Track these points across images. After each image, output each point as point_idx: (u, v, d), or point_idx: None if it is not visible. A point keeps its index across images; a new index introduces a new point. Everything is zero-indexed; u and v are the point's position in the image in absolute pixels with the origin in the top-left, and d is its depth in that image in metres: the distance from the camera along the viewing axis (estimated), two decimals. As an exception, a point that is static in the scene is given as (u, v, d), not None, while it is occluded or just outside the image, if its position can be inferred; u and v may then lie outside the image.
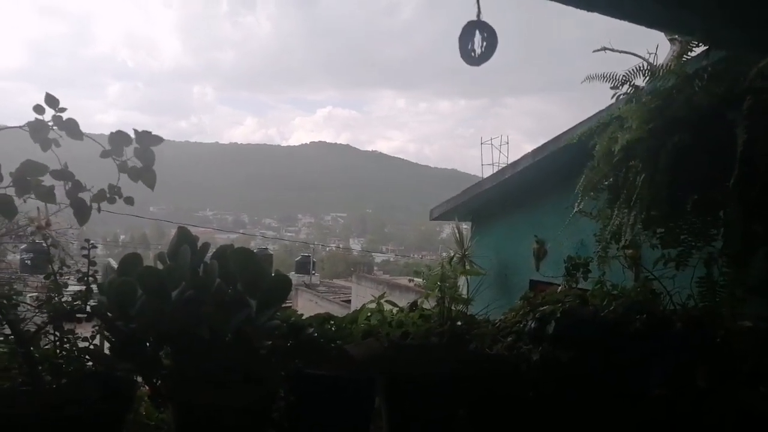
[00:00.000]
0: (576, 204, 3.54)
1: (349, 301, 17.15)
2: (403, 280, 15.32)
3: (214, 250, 2.45)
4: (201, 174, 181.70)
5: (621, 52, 3.97)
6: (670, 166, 2.95)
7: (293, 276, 29.27)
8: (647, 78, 3.56)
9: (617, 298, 3.59)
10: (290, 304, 21.85)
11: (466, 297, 2.71)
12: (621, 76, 3.56)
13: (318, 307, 19.70)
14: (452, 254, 6.48)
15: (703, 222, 3.15)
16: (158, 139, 2.13)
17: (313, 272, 31.20)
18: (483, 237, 6.79)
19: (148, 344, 2.05)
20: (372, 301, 2.70)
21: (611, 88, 3.59)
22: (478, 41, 2.52)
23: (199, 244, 2.39)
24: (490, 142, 8.67)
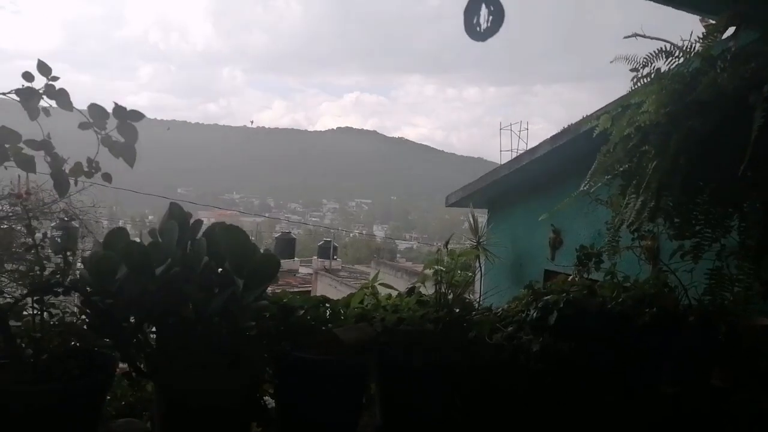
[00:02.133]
0: (583, 185, 3.41)
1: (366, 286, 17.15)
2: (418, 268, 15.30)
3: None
4: (229, 157, 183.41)
5: (654, 38, 3.79)
6: (685, 152, 2.81)
7: (316, 260, 29.36)
8: (670, 60, 3.40)
9: (628, 290, 3.47)
10: (308, 288, 21.93)
11: (465, 282, 2.61)
12: (642, 59, 3.40)
13: (337, 291, 19.74)
14: (467, 242, 6.37)
15: (721, 213, 2.99)
16: (139, 115, 2.08)
17: (335, 257, 31.27)
18: (499, 225, 6.66)
19: (129, 322, 2.01)
20: (367, 284, 2.62)
21: (631, 70, 3.43)
22: (484, 15, 2.40)
23: (209, 224, 2.35)
24: (510, 128, 8.47)
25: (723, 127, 2.67)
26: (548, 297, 2.77)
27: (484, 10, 2.39)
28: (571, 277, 4.42)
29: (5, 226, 11.26)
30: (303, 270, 28.39)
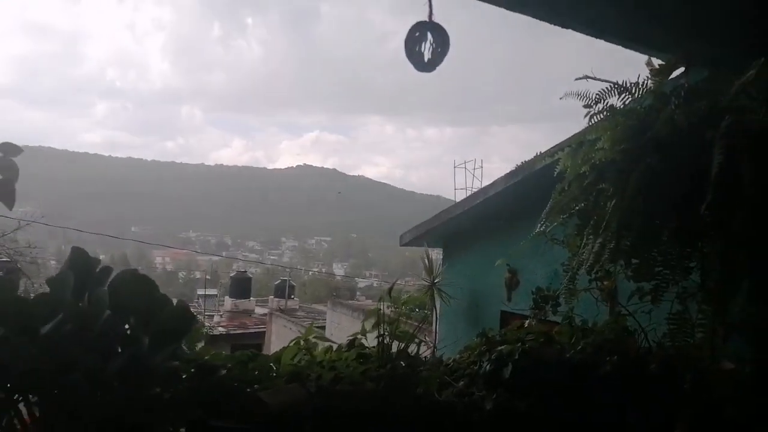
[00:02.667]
0: (539, 226, 3.25)
1: (324, 327, 16.66)
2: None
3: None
4: (186, 195, 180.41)
5: (605, 81, 3.73)
6: (643, 190, 2.67)
7: (272, 300, 28.58)
8: (623, 96, 3.31)
9: (587, 335, 3.28)
10: (264, 329, 21.21)
11: (410, 333, 2.36)
12: (595, 95, 3.30)
13: (291, 332, 19.14)
14: (422, 283, 6.14)
15: (679, 253, 2.86)
16: (18, 150, 1.79)
17: (293, 296, 30.54)
18: (455, 264, 6.47)
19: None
20: (299, 338, 2.34)
21: (584, 106, 3.32)
22: (428, 44, 2.23)
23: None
24: (464, 166, 8.41)
25: (681, 165, 2.55)
26: (502, 347, 2.54)
27: (429, 39, 2.22)
28: (527, 322, 4.23)
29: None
30: (259, 310, 27.62)
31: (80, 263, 2.01)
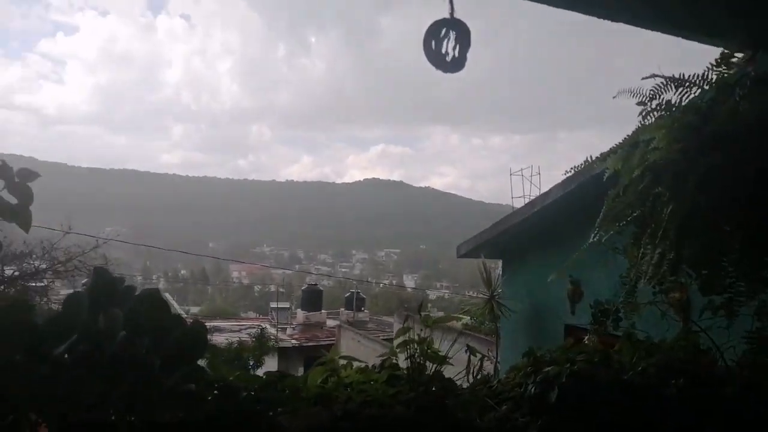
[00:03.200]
0: (593, 236, 3.01)
1: (391, 340, 16.53)
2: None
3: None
4: (259, 211, 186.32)
5: (670, 78, 3.44)
6: (704, 192, 2.39)
7: (343, 313, 28.75)
8: (681, 91, 3.02)
9: (652, 353, 2.98)
10: (333, 342, 21.34)
11: (441, 354, 2.19)
12: (649, 91, 3.03)
13: (361, 345, 19.14)
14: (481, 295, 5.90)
15: (753, 262, 2.54)
16: (33, 175, 1.78)
17: (363, 309, 30.60)
18: (514, 276, 6.19)
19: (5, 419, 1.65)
20: (327, 359, 2.22)
21: (638, 104, 3.05)
22: (451, 43, 2.08)
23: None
24: (521, 173, 8.08)
25: (746, 162, 2.26)
26: (549, 369, 2.32)
27: (451, 37, 2.06)
28: (587, 338, 3.93)
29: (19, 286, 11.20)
30: (330, 322, 27.84)
31: (102, 282, 1.99)
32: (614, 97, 3.17)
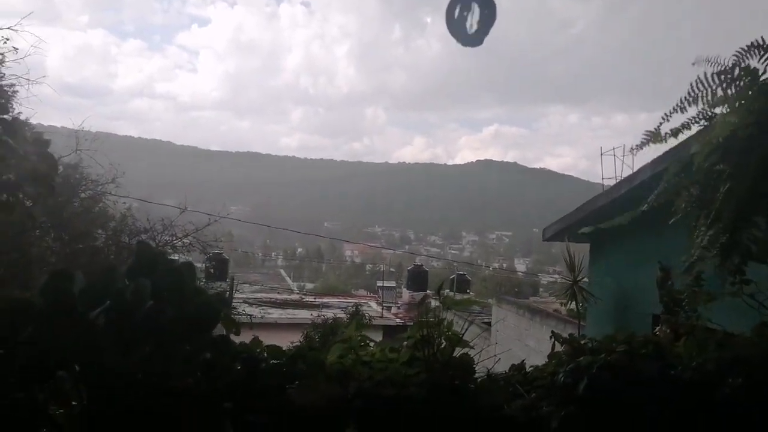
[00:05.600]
0: (644, 205, 2.76)
1: (489, 323, 16.33)
2: (552, 305, 14.11)
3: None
4: (372, 192, 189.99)
5: (755, 44, 3.08)
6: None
7: (449, 294, 28.84)
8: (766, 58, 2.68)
9: (723, 347, 2.71)
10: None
11: (459, 336, 2.14)
12: (731, 59, 2.71)
13: (457, 327, 19.05)
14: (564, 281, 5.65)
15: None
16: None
17: (468, 291, 30.43)
18: (601, 261, 5.85)
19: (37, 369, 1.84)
20: (345, 338, 2.24)
21: (717, 74, 2.75)
22: (474, 15, 1.99)
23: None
24: (613, 152, 7.51)
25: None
26: (582, 358, 2.18)
27: (475, 9, 1.97)
28: (658, 329, 3.66)
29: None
30: (436, 303, 28.00)
31: (144, 256, 2.16)
32: (693, 64, 2.87)
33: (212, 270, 20.71)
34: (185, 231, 12.09)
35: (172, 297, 1.95)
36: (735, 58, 2.71)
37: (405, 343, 2.23)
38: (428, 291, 29.30)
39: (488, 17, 1.94)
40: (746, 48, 2.64)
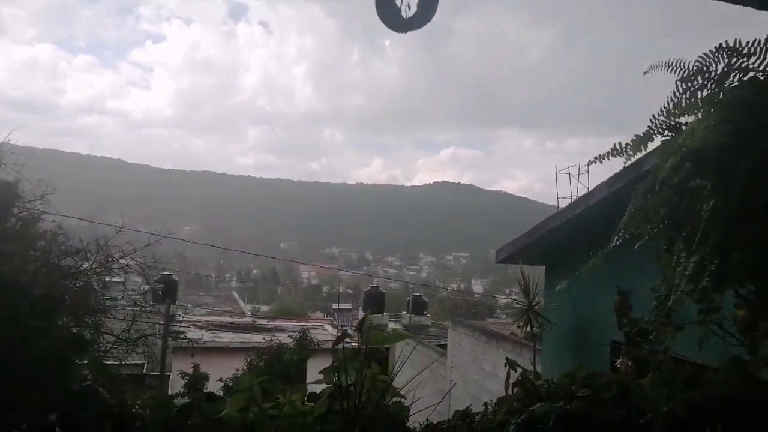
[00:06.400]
0: (614, 239, 2.47)
1: (445, 346, 15.99)
2: (509, 328, 13.86)
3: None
4: (329, 213, 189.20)
5: (722, 47, 2.84)
6: (759, 184, 1.83)
7: (405, 316, 28.35)
8: (736, 61, 2.42)
9: (692, 386, 2.40)
10: (388, 347, 21.00)
11: (388, 381, 1.74)
12: (693, 64, 2.45)
13: (415, 351, 18.66)
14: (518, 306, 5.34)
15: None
16: None
17: (425, 313, 30.10)
18: (557, 284, 5.58)
19: None
20: (245, 386, 1.82)
21: (680, 81, 2.48)
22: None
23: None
24: (567, 171, 7.36)
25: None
26: (537, 406, 1.82)
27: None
28: (618, 362, 3.35)
29: (82, 282, 11.50)
30: (393, 325, 27.58)
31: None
32: (645, 73, 2.61)
33: (159, 292, 19.79)
34: (123, 251, 11.35)
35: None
36: (698, 63, 2.45)
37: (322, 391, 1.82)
38: (384, 313, 28.87)
39: (428, 7, 1.60)
40: (712, 52, 2.38)
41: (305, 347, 10.11)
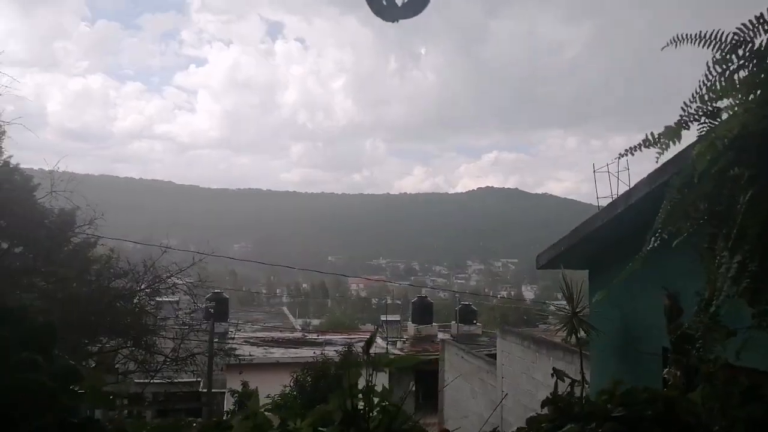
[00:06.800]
0: (652, 241, 2.26)
1: (495, 356, 15.61)
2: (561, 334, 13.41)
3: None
4: (374, 224, 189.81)
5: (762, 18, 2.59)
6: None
7: (454, 326, 27.98)
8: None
9: (749, 398, 2.16)
10: (437, 356, 20.69)
11: (397, 406, 1.60)
12: (731, 37, 2.22)
13: (464, 361, 18.33)
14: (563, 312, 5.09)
15: None
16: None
17: (475, 322, 29.64)
18: (602, 289, 5.29)
19: None
20: (249, 414, 1.70)
21: (716, 63, 2.25)
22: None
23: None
24: (606, 169, 6.99)
25: None
26: (566, 429, 1.65)
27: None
28: (666, 371, 3.10)
29: (135, 303, 11.81)
30: (442, 335, 27.29)
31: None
32: (662, 49, 2.39)
33: (211, 310, 20.18)
34: (170, 272, 11.57)
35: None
36: (736, 36, 2.22)
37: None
38: (433, 323, 28.57)
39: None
40: (752, 22, 2.15)
41: (350, 360, 10.01)
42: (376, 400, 1.54)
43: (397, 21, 1.50)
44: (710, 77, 2.11)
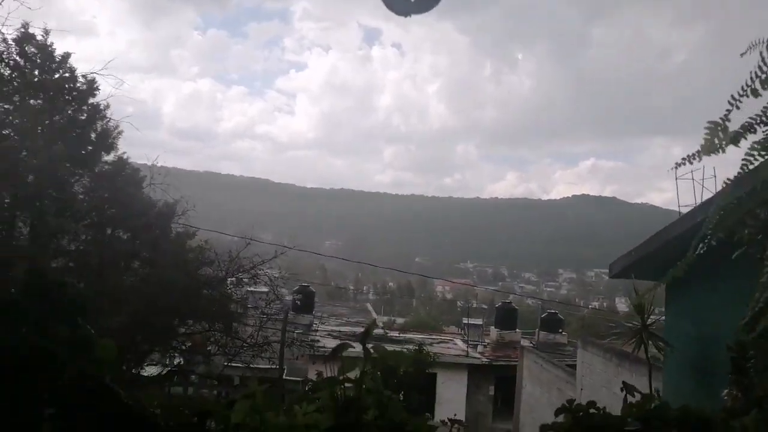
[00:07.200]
0: (699, 246, 2.10)
1: (574, 366, 15.04)
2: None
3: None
4: (463, 227, 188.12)
5: None
6: None
7: (538, 334, 27.20)
8: None
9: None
10: (516, 363, 20.18)
11: (398, 401, 1.57)
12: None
13: (543, 370, 17.78)
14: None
15: None
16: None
17: (561, 331, 28.68)
18: (680, 302, 4.93)
19: None
20: (248, 393, 1.74)
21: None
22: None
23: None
24: (691, 176, 6.39)
25: None
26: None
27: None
28: (725, 392, 2.86)
29: (224, 290, 12.48)
30: (525, 342, 26.68)
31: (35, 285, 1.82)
32: (742, 55, 2.22)
33: (298, 302, 20.89)
34: (253, 263, 12.12)
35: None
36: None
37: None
38: (517, 330, 27.88)
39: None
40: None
41: (421, 359, 9.98)
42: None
43: (410, 16, 1.49)
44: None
